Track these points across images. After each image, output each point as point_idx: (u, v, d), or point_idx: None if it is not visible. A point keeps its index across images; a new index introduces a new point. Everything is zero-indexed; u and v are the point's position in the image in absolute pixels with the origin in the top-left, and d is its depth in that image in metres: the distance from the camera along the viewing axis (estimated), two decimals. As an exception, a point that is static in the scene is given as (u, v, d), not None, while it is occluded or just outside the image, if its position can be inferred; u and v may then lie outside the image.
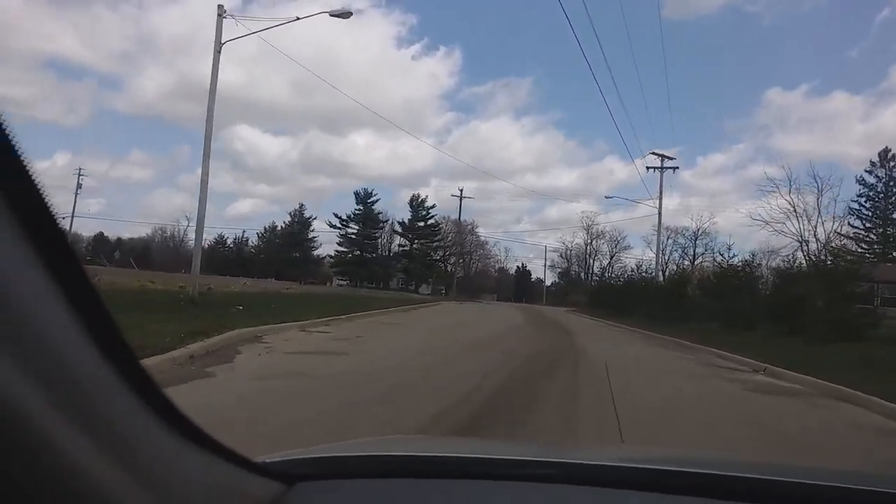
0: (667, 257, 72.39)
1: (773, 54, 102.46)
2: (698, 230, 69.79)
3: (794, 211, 25.07)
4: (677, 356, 15.85)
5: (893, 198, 57.86)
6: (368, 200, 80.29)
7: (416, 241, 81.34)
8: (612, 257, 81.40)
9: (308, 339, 12.75)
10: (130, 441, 0.69)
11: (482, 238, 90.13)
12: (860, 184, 58.51)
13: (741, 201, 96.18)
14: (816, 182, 25.60)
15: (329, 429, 5.39)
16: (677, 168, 43.81)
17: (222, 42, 18.03)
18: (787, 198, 25.24)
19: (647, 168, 43.83)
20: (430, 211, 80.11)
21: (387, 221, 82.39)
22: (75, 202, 79.90)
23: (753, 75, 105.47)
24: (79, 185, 79.92)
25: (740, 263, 24.48)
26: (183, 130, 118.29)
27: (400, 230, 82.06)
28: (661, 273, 50.89)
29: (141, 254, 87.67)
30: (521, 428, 6.18)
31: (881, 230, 57.59)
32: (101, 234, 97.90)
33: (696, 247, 71.54)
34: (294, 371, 8.39)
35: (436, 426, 5.89)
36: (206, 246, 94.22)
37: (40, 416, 0.55)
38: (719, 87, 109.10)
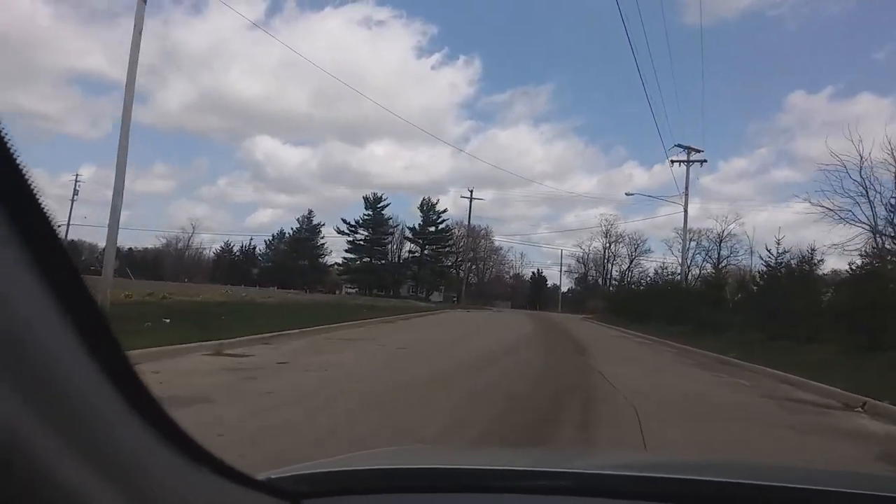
0: (689, 261, 67.72)
1: (796, 57, 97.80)
2: (723, 232, 65.09)
3: (867, 194, 20.03)
4: (730, 384, 11.48)
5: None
6: (378, 205, 76.34)
7: (426, 247, 77.14)
8: (631, 261, 76.45)
9: (198, 368, 8.63)
10: (126, 459, 0.64)
11: (496, 244, 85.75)
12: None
13: (763, 205, 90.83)
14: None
15: None
16: (705, 161, 39.21)
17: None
18: (858, 178, 20.30)
19: (672, 162, 39.37)
20: (442, 216, 75.89)
21: (397, 227, 78.40)
22: (71, 209, 76.85)
23: (777, 78, 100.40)
24: (75, 192, 77.01)
25: (793, 260, 19.72)
26: (204, 142, 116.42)
27: (410, 236, 77.97)
28: (685, 277, 46.36)
29: (150, 263, 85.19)
30: None
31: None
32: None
33: (720, 249, 66.92)
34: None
35: None
36: (213, 254, 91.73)
37: (31, 433, 0.52)
38: (742, 91, 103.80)
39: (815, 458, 5.93)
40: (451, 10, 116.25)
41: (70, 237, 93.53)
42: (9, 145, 0.53)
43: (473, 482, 1.25)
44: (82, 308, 0.60)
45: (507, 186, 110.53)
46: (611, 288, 74.60)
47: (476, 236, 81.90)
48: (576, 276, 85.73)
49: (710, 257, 62.93)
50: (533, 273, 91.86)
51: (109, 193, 14.57)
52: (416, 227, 76.85)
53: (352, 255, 76.39)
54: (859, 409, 9.36)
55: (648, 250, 75.53)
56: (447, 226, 76.17)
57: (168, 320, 13.53)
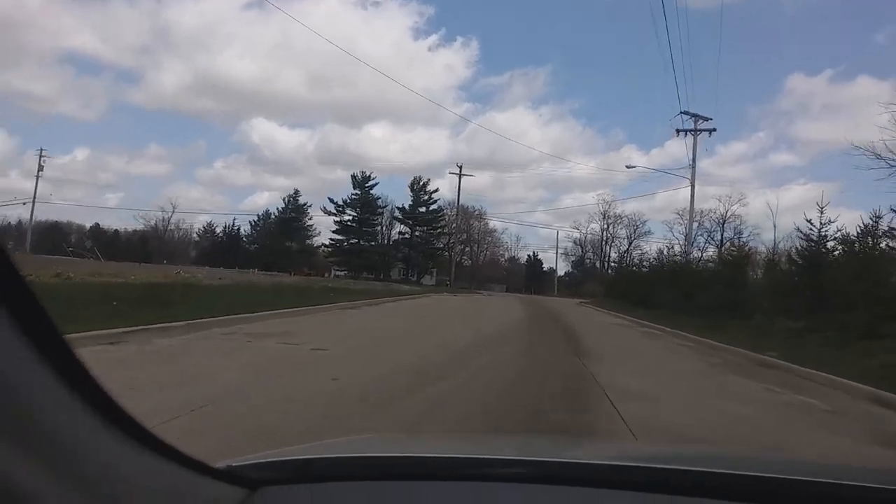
0: (692, 242, 63.59)
1: (795, 40, 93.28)
2: (726, 213, 60.95)
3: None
4: (802, 409, 7.35)
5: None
6: (366, 185, 71.93)
7: (417, 228, 72.88)
8: (630, 243, 72.29)
9: None
10: (72, 445, 0.62)
11: (490, 225, 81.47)
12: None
13: (765, 187, 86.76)
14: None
15: None
16: (714, 130, 35.05)
17: None
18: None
19: (678, 132, 35.20)
20: (433, 195, 71.49)
21: (386, 207, 74.09)
22: (36, 187, 72.64)
23: (776, 61, 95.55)
24: (40, 168, 72.60)
25: (840, 233, 15.30)
26: (199, 124, 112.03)
27: (400, 216, 73.70)
28: (687, 256, 42.40)
29: (137, 245, 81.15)
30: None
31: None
32: (97, 225, 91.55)
33: (723, 231, 62.76)
34: None
35: None
36: (195, 236, 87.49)
37: None
38: (742, 73, 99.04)
39: None
40: None
41: (56, 218, 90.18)
42: None
43: (434, 470, 1.21)
44: (12, 288, 0.57)
45: (505, 169, 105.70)
46: (609, 271, 70.63)
47: (469, 217, 77.72)
48: (573, 258, 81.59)
49: (712, 239, 59.04)
50: (529, 256, 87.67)
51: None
52: (406, 207, 72.59)
53: (339, 237, 72.19)
54: None
55: (648, 232, 71.40)
56: (439, 206, 71.80)
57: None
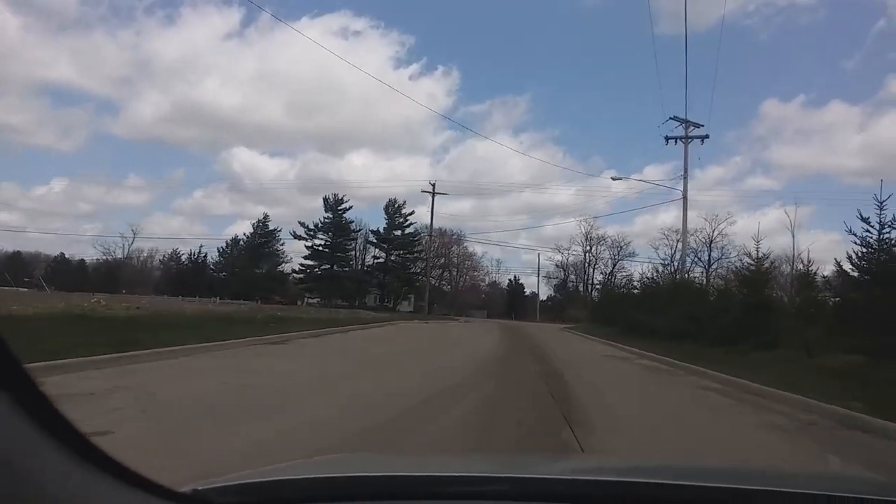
0: (678, 264, 59.91)
1: (769, 66, 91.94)
2: (713, 232, 57.43)
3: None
4: None
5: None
6: (339, 208, 67.68)
7: (392, 253, 68.56)
8: (614, 265, 68.38)
9: None
10: (31, 474, 0.60)
11: (470, 249, 77.21)
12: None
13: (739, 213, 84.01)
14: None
15: None
16: (707, 137, 31.36)
17: None
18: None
19: (667, 139, 31.46)
20: (409, 218, 67.30)
21: (359, 231, 69.71)
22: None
23: (751, 87, 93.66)
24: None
25: None
26: (180, 154, 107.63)
27: (374, 240, 69.33)
28: (686, 274, 38.51)
29: (103, 274, 75.98)
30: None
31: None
32: (62, 255, 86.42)
33: (710, 251, 59.10)
34: None
35: None
36: (159, 263, 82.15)
37: None
38: (717, 99, 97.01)
39: None
40: (429, 21, 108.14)
41: (30, 249, 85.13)
42: None
43: (410, 489, 1.16)
44: None
45: (487, 196, 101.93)
46: (593, 294, 66.67)
47: (448, 241, 73.53)
48: (555, 282, 77.38)
49: (699, 260, 55.38)
50: (510, 280, 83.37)
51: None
52: (381, 230, 68.31)
53: (311, 262, 67.59)
54: None
55: (633, 253, 67.60)
56: (415, 230, 67.48)
57: None
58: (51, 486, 0.60)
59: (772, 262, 16.27)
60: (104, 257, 79.55)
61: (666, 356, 15.56)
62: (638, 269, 61.74)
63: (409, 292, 68.34)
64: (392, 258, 68.14)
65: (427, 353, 14.60)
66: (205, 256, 75.43)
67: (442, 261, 74.06)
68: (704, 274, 49.21)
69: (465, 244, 74.82)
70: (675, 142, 31.11)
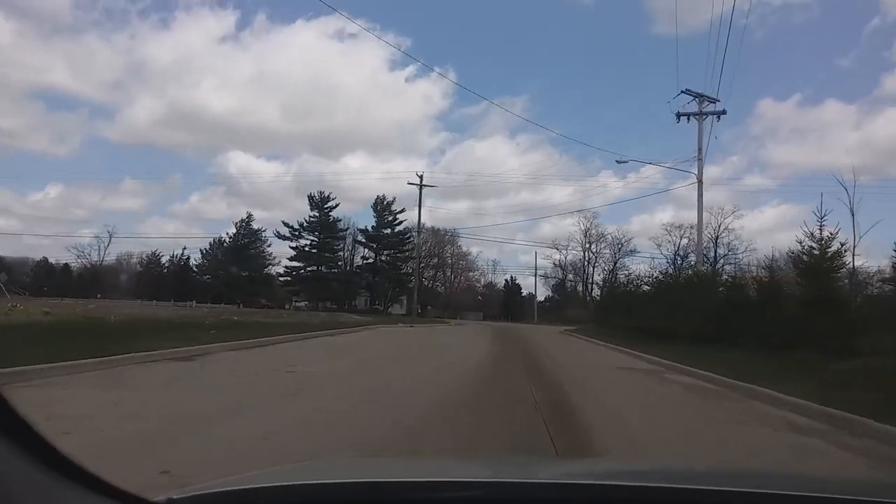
0: (680, 261, 56.12)
1: (765, 65, 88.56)
2: (719, 227, 53.78)
3: None
4: None
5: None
6: (325, 206, 63.73)
7: (382, 252, 64.64)
8: (615, 263, 64.48)
9: None
10: None
11: (464, 249, 73.29)
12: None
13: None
14: None
15: None
16: (723, 113, 27.52)
17: None
18: None
19: (679, 116, 27.66)
20: (399, 216, 63.37)
21: (347, 230, 65.76)
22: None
23: (747, 85, 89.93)
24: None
25: None
26: (176, 157, 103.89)
27: (363, 239, 65.39)
28: (678, 272, 34.93)
29: (87, 279, 72.13)
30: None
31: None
32: (45, 259, 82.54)
33: (717, 247, 55.31)
34: None
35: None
36: (137, 266, 78.09)
37: None
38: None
39: None
40: (424, 22, 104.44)
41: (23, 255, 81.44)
42: None
43: (388, 495, 1.14)
44: None
45: (483, 197, 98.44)
46: (593, 293, 62.85)
47: (442, 241, 69.63)
48: (553, 282, 73.45)
49: (705, 258, 51.56)
50: (506, 281, 79.31)
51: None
52: (369, 228, 64.37)
53: (297, 264, 63.65)
54: None
55: (634, 250, 63.70)
56: (406, 228, 63.50)
57: None
58: (16, 498, 0.56)
59: (837, 249, 12.30)
60: (79, 261, 75.28)
61: (705, 370, 11.67)
62: (640, 266, 58.10)
63: (400, 294, 64.42)
64: (382, 258, 64.27)
65: (383, 371, 10.69)
66: (187, 259, 71.43)
67: (435, 261, 70.22)
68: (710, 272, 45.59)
69: (459, 244, 70.96)
70: (688, 119, 27.30)
